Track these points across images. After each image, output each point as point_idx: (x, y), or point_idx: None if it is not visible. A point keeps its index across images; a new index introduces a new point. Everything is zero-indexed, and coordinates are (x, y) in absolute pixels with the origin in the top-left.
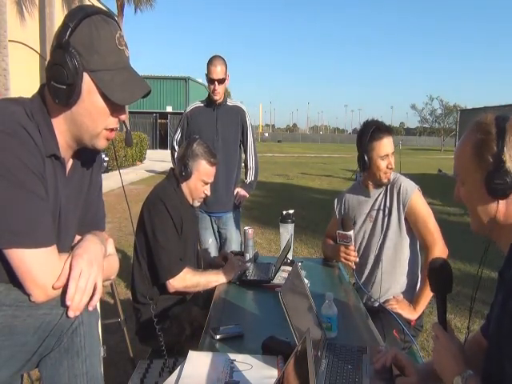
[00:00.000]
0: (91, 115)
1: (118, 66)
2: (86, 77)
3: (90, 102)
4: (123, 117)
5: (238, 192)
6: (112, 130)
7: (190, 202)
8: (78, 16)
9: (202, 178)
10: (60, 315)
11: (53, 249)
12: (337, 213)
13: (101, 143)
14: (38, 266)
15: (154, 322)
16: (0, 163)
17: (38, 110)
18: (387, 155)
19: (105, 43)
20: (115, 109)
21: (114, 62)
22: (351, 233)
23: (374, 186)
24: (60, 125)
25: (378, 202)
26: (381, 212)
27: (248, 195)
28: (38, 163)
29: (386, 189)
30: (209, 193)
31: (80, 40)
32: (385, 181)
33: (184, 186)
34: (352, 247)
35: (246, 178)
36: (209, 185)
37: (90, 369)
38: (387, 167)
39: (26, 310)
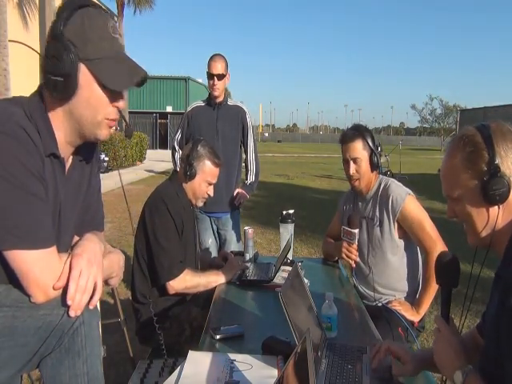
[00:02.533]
0: (90, 105)
1: (112, 53)
2: (82, 67)
3: (89, 92)
4: (122, 104)
5: (238, 193)
6: (113, 119)
7: (194, 202)
8: (69, 8)
9: (206, 179)
10: (61, 315)
11: (53, 249)
12: (342, 211)
13: (103, 133)
14: (39, 267)
15: (154, 321)
16: (0, 165)
17: (36, 110)
18: (347, 160)
19: (98, 32)
20: (114, 96)
21: (108, 49)
22: (357, 231)
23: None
24: (59, 121)
25: (368, 211)
26: (371, 221)
27: (248, 196)
28: (37, 164)
29: (376, 197)
30: (212, 194)
31: (73, 31)
32: (355, 188)
33: (188, 186)
34: (355, 246)
35: (246, 179)
36: (212, 186)
37: (91, 369)
38: (349, 173)
39: (26, 310)
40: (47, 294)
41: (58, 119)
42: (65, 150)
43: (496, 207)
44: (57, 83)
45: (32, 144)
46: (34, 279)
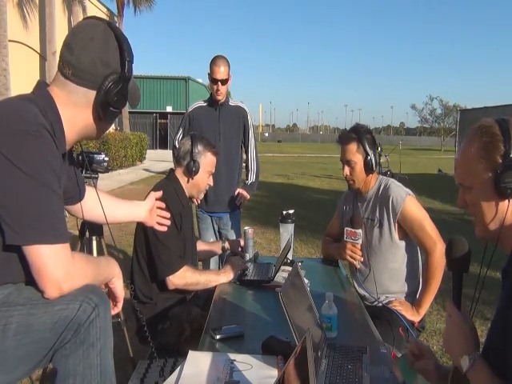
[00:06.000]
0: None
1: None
2: None
3: None
4: None
5: (239, 193)
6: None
7: (196, 196)
8: (130, 47)
9: (208, 170)
10: (77, 309)
11: (68, 245)
12: (342, 211)
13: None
14: (54, 261)
15: (138, 310)
16: (28, 163)
17: (49, 110)
18: (343, 161)
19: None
20: None
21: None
22: (361, 231)
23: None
24: (74, 126)
25: (367, 211)
26: (371, 222)
27: (249, 196)
28: (58, 163)
29: (376, 198)
30: (212, 183)
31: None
32: (351, 187)
33: (192, 182)
34: (359, 246)
35: (247, 179)
36: (211, 175)
37: (103, 361)
38: (345, 174)
39: (41, 307)
40: (60, 289)
41: (65, 119)
42: (67, 147)
43: (506, 201)
44: (113, 114)
45: (54, 145)
46: (48, 274)
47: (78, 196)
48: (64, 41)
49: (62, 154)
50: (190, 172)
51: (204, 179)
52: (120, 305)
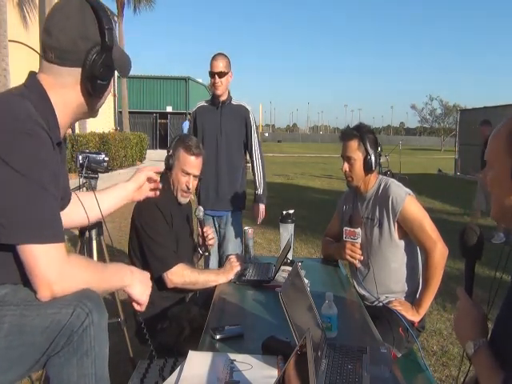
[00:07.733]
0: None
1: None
2: None
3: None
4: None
5: (256, 212)
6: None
7: (175, 194)
8: (108, 15)
9: (181, 167)
10: (70, 314)
11: (62, 245)
12: (342, 210)
13: (96, 113)
14: (46, 261)
15: (135, 313)
16: (22, 162)
17: (41, 100)
18: (343, 158)
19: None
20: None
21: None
22: (359, 230)
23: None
24: (66, 108)
25: (367, 211)
26: (370, 221)
27: (264, 206)
28: (54, 161)
29: (376, 197)
30: (190, 186)
31: (111, 39)
32: (350, 185)
33: (171, 179)
34: (358, 245)
35: (254, 183)
36: (191, 177)
37: (99, 370)
38: (344, 170)
39: (35, 309)
40: (51, 290)
41: (57, 103)
42: (63, 133)
43: None
44: (102, 87)
45: (50, 142)
46: (40, 274)
47: (67, 201)
48: (43, 26)
49: (57, 144)
50: (167, 168)
51: (178, 177)
52: (142, 307)
